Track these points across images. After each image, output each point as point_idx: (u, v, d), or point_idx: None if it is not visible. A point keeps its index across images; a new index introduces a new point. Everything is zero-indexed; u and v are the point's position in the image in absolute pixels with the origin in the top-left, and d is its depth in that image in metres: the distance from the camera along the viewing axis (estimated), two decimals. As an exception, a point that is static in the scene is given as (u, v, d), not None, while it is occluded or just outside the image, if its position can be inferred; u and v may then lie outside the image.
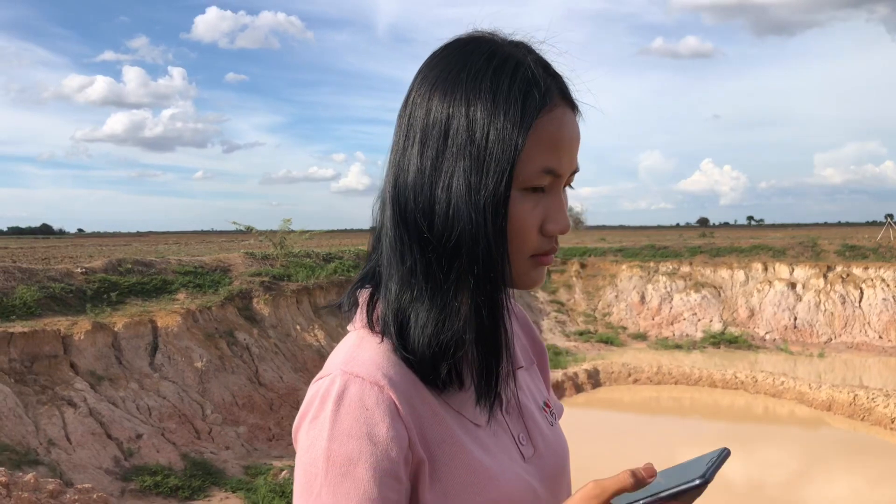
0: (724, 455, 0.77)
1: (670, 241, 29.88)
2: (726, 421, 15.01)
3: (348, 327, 0.87)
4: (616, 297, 24.66)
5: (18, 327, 10.67)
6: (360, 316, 0.85)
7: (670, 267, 25.03)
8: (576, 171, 0.84)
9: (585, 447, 13.11)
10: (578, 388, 16.86)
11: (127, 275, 14.45)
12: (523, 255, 0.81)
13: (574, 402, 16.22)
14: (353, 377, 0.76)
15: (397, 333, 0.79)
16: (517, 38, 0.84)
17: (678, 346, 21.76)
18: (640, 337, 22.89)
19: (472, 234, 0.76)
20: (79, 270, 13.96)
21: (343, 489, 0.72)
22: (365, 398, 0.75)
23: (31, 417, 9.51)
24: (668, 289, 24.25)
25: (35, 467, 8.39)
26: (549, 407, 1.01)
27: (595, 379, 17.43)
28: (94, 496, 4.21)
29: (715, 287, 24.08)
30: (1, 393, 9.53)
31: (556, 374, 17.11)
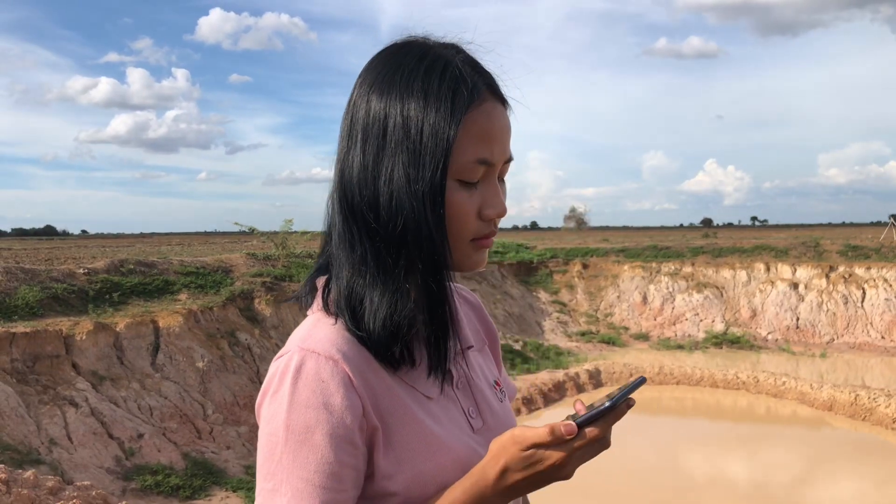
0: (638, 382, 0.83)
1: (673, 241, 29.88)
2: (728, 421, 15.00)
3: (307, 312, 0.93)
4: (618, 297, 24.67)
5: (20, 327, 10.72)
6: (316, 301, 0.91)
7: (672, 267, 25.03)
8: (509, 159, 0.90)
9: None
10: (580, 389, 16.86)
11: (129, 275, 14.50)
12: (464, 239, 0.88)
13: (575, 403, 16.21)
14: (309, 353, 0.82)
15: (351, 316, 0.85)
16: (447, 40, 0.91)
17: (680, 347, 21.76)
18: (642, 337, 22.89)
19: (414, 222, 0.82)
20: (81, 271, 14.01)
21: (302, 454, 0.78)
22: (320, 371, 0.81)
23: (32, 417, 9.56)
24: (671, 289, 24.26)
25: (37, 467, 8.43)
26: (499, 385, 1.06)
27: (597, 379, 17.43)
28: (94, 493, 4.24)
29: (717, 287, 24.07)
30: (3, 393, 9.58)
31: (558, 375, 17.13)
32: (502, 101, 0.90)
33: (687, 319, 23.28)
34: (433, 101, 0.83)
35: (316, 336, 0.84)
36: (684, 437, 13.97)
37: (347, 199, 0.86)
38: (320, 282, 0.92)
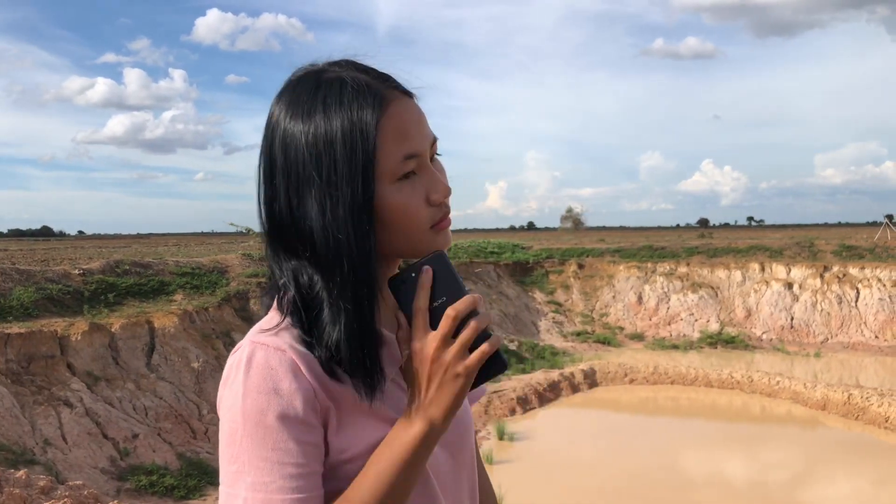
0: (435, 255, 0.89)
1: (669, 241, 29.95)
2: (724, 421, 15.04)
3: (263, 313, 0.98)
4: (613, 297, 24.72)
5: (15, 328, 10.73)
6: (274, 304, 0.95)
7: (668, 267, 25.10)
8: (434, 140, 0.95)
9: (583, 446, 13.17)
10: (575, 389, 16.90)
11: (124, 276, 14.51)
12: (423, 229, 0.92)
13: (571, 402, 16.26)
14: (259, 345, 0.87)
15: (299, 322, 0.90)
16: (336, 57, 0.95)
17: (675, 347, 21.81)
18: (637, 337, 22.94)
19: (347, 245, 0.86)
20: (76, 272, 14.01)
21: (259, 435, 0.83)
22: (270, 360, 0.86)
23: (27, 418, 9.56)
24: (666, 289, 24.32)
25: (31, 467, 8.43)
26: None
27: (592, 379, 17.46)
28: (85, 493, 4.26)
29: (712, 287, 24.14)
30: (-2, 393, 9.59)
31: (553, 375, 17.15)
32: (406, 94, 0.93)
33: (682, 319, 23.35)
34: (339, 124, 0.86)
35: (265, 327, 0.90)
36: (680, 436, 14.01)
37: (282, 241, 0.91)
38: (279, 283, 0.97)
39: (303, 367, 0.86)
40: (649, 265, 25.38)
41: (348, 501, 0.86)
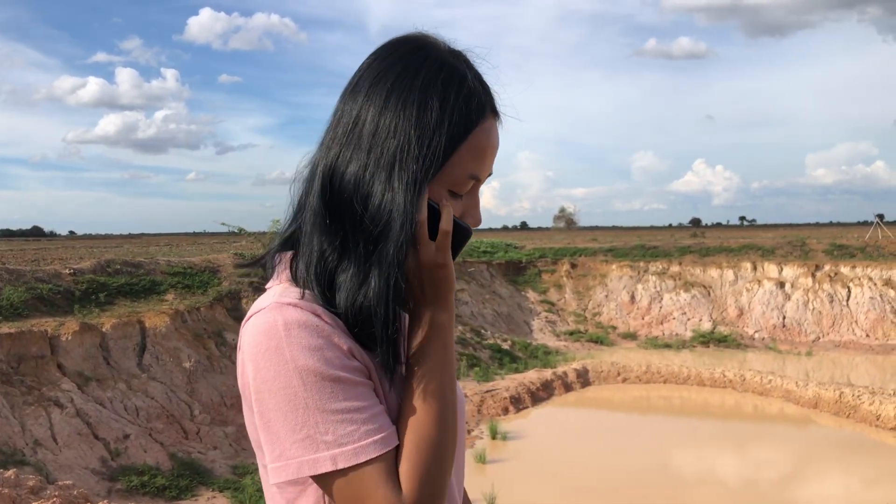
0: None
1: (661, 241, 30.02)
2: (717, 419, 15.08)
3: (268, 285, 0.96)
4: (606, 296, 24.77)
5: (5, 328, 10.65)
6: (284, 274, 0.93)
7: (660, 267, 25.15)
8: (492, 172, 0.97)
9: (576, 445, 13.17)
10: (568, 388, 16.90)
11: (115, 276, 14.44)
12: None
13: (564, 402, 16.27)
14: (289, 306, 0.85)
15: (320, 292, 0.88)
16: (455, 47, 0.95)
17: (668, 346, 21.87)
18: (630, 336, 22.99)
19: (401, 225, 0.85)
20: (67, 271, 13.93)
21: (327, 391, 0.81)
22: (309, 319, 0.84)
23: (17, 418, 9.49)
24: (658, 288, 24.37)
25: (21, 468, 8.37)
26: None
27: (584, 378, 17.48)
28: (75, 493, 4.23)
29: (704, 287, 24.21)
30: (-13, 394, 9.51)
31: (546, 374, 17.15)
32: (499, 119, 0.95)
33: (674, 318, 23.40)
34: (447, 113, 0.87)
35: (291, 295, 0.87)
36: (673, 435, 14.03)
37: (335, 191, 0.89)
38: (286, 256, 0.95)
39: (339, 326, 0.86)
40: (642, 264, 25.43)
41: (418, 405, 0.86)
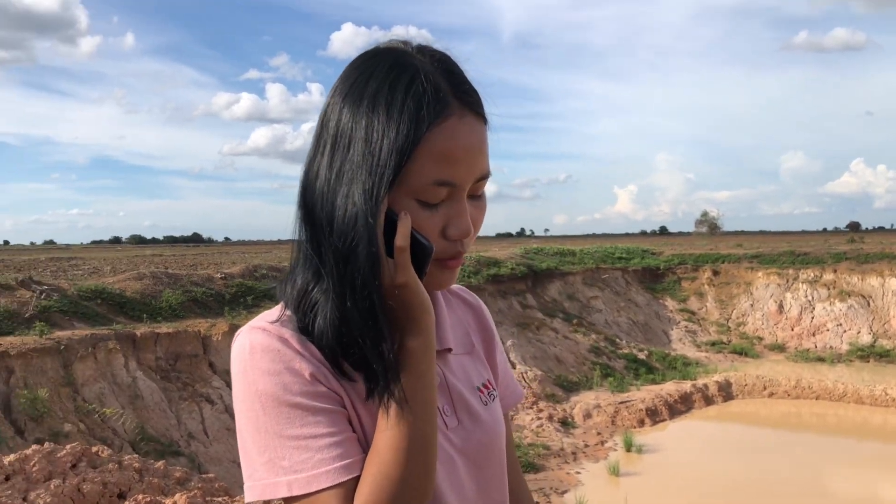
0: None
1: (813, 246, 28.02)
2: (878, 441, 13.88)
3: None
4: (751, 305, 23.42)
5: (164, 328, 11.54)
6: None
7: (811, 274, 23.43)
8: (484, 176, 0.87)
9: (717, 461, 12.53)
10: (709, 401, 16.15)
11: (262, 280, 15.29)
12: None
13: (704, 415, 15.55)
14: (257, 329, 0.85)
15: (300, 319, 0.86)
16: (435, 47, 0.88)
17: (820, 359, 20.35)
18: (778, 348, 21.61)
19: (367, 241, 0.80)
20: (219, 276, 14.92)
21: (284, 416, 0.80)
22: (272, 343, 0.83)
23: (173, 412, 10.26)
24: (809, 297, 22.74)
25: (176, 458, 9.03)
26: (487, 389, 1.04)
27: (727, 391, 16.64)
28: (216, 485, 4.51)
29: (863, 296, 22.32)
30: (149, 388, 10.35)
31: (685, 386, 16.47)
32: (477, 116, 0.86)
33: (828, 330, 21.75)
34: (395, 117, 0.81)
35: (266, 318, 0.87)
36: (827, 455, 13.04)
37: (307, 208, 0.86)
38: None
39: (305, 354, 0.83)
40: (791, 272, 23.81)
41: (382, 436, 0.82)
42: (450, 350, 1.01)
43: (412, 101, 0.81)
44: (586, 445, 13.18)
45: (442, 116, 0.82)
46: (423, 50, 0.88)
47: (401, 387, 0.82)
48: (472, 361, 1.06)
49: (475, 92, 0.87)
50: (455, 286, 1.09)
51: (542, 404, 14.80)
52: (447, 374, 0.99)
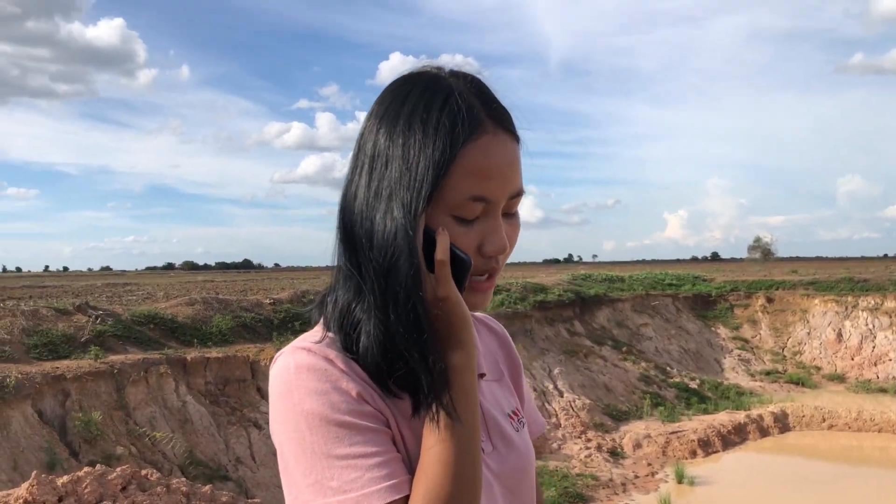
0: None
1: (873, 273, 27.07)
2: (944, 477, 13.24)
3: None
4: (808, 333, 22.70)
5: (214, 352, 11.72)
6: (321, 318, 0.93)
7: (871, 301, 22.60)
8: (517, 194, 0.89)
9: (774, 495, 12.10)
10: (764, 432, 15.66)
11: (309, 305, 15.44)
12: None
13: (759, 447, 15.08)
14: (301, 350, 0.85)
15: (344, 339, 0.86)
16: (465, 69, 0.91)
17: (883, 390, 19.54)
18: (837, 378, 20.84)
19: (408, 256, 0.81)
20: (268, 301, 15.12)
21: (332, 436, 0.80)
22: (318, 363, 0.83)
23: (222, 436, 10.37)
24: (870, 326, 21.94)
25: (224, 483, 9.11)
26: (517, 415, 1.06)
27: (783, 423, 16.11)
28: (261, 511, 4.53)
29: (928, 324, 21.44)
30: (198, 413, 10.50)
31: (739, 416, 16.01)
32: (510, 135, 0.89)
33: (891, 360, 20.90)
34: (431, 135, 0.83)
35: (310, 339, 0.88)
36: (892, 491, 12.48)
37: (346, 228, 0.88)
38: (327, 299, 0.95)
39: (352, 370, 0.84)
40: (850, 299, 23.02)
41: (430, 453, 0.81)
42: (483, 375, 1.01)
43: (447, 119, 0.84)
44: (636, 476, 12.87)
45: (476, 133, 0.85)
46: (456, 73, 0.91)
47: (450, 398, 0.82)
48: (500, 388, 1.08)
49: (507, 111, 0.90)
50: (479, 314, 1.10)
51: (590, 433, 14.54)
52: (481, 399, 0.97)
